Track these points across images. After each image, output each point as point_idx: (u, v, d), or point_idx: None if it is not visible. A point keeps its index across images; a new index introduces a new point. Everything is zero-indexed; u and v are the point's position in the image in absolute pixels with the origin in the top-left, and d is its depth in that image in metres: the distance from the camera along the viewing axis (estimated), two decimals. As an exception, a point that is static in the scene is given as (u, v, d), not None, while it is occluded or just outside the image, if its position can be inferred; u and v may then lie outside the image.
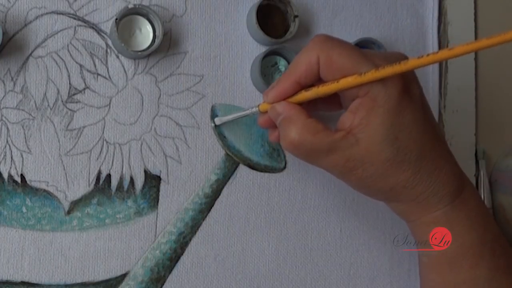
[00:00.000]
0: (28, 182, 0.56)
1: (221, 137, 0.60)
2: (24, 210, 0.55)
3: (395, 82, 0.50)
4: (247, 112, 0.57)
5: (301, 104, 0.53)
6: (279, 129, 0.53)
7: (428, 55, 0.47)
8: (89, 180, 0.57)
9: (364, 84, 0.49)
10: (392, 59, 0.49)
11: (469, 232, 0.53)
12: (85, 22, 0.57)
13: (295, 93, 0.52)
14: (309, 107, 0.53)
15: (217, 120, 0.60)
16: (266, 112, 0.54)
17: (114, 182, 0.58)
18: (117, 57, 0.58)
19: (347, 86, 0.50)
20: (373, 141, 0.50)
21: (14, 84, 0.56)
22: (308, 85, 0.52)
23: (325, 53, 0.50)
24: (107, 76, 0.58)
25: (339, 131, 0.51)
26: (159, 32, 0.57)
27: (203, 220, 0.60)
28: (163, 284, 0.58)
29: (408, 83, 0.51)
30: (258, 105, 0.55)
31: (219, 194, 0.60)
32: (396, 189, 0.52)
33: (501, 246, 0.55)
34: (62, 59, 0.57)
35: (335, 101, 0.55)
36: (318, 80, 0.52)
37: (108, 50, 0.58)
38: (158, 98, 0.59)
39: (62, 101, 0.57)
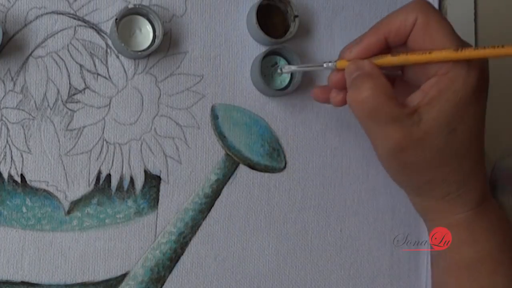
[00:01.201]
0: (28, 182, 0.56)
1: (221, 137, 0.60)
2: (24, 210, 0.55)
3: (477, 71, 0.48)
4: (322, 66, 0.54)
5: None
6: (352, 84, 0.50)
7: None
8: (89, 180, 0.57)
9: (451, 63, 0.47)
10: (469, 45, 0.48)
11: (488, 239, 0.53)
12: (85, 22, 0.57)
13: (378, 53, 0.50)
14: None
15: (286, 68, 0.58)
16: (342, 69, 0.52)
17: (114, 182, 0.58)
18: (117, 57, 0.58)
19: (439, 59, 0.47)
20: (433, 125, 0.48)
21: (14, 84, 0.56)
22: (392, 46, 0.50)
23: (424, 16, 0.48)
24: (107, 76, 0.58)
25: (407, 106, 0.49)
26: (159, 32, 0.57)
27: (203, 220, 0.60)
28: (163, 284, 0.58)
29: (485, 76, 0.50)
30: (336, 61, 0.52)
31: (219, 194, 0.60)
32: (432, 183, 0.51)
33: None
34: (62, 59, 0.57)
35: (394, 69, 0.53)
36: (402, 45, 0.50)
37: (108, 50, 0.58)
38: (158, 98, 0.59)
39: (62, 101, 0.57)
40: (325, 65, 0.54)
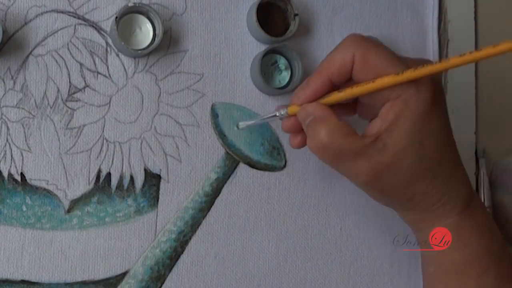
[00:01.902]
0: (28, 180, 0.56)
1: (221, 135, 0.60)
2: (24, 208, 0.55)
3: (428, 86, 0.49)
4: (275, 114, 0.55)
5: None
6: (308, 130, 0.51)
7: (471, 52, 0.46)
8: (89, 179, 0.57)
9: (398, 86, 0.48)
10: (422, 63, 0.49)
11: (476, 242, 0.53)
12: (85, 21, 0.57)
13: (326, 93, 0.52)
14: None
15: (241, 124, 0.60)
16: (294, 115, 0.53)
17: (114, 181, 0.58)
18: (117, 55, 0.58)
19: (383, 86, 0.49)
20: (399, 147, 0.49)
21: (14, 83, 0.56)
22: (339, 84, 0.51)
23: (361, 52, 0.50)
24: (107, 75, 0.58)
25: (367, 136, 0.50)
26: (159, 31, 0.57)
27: (203, 218, 0.60)
28: (163, 283, 0.58)
29: (438, 89, 0.51)
30: (287, 107, 0.54)
31: (219, 193, 0.60)
32: (414, 198, 0.52)
33: (507, 255, 0.55)
34: (62, 58, 0.57)
35: (350, 105, 0.54)
36: (348, 81, 0.51)
37: (108, 49, 0.58)
38: (158, 97, 0.59)
39: (62, 100, 0.57)
40: (277, 113, 0.55)
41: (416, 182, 0.51)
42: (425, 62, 0.49)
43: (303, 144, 0.55)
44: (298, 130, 0.54)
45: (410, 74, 0.48)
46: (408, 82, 0.48)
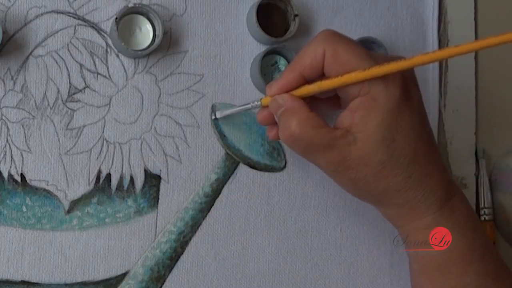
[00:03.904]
0: (28, 181, 0.56)
1: (221, 136, 0.60)
2: (24, 209, 0.55)
3: (397, 83, 0.50)
4: (249, 105, 0.56)
5: (303, 99, 0.52)
6: (279, 122, 0.52)
7: (434, 51, 0.47)
8: (89, 179, 0.57)
9: (366, 82, 0.49)
10: (393, 59, 0.49)
11: (458, 239, 0.53)
12: (85, 21, 0.57)
13: (298, 86, 0.52)
14: (309, 105, 0.53)
15: (218, 113, 0.59)
16: (267, 106, 0.54)
17: (114, 181, 0.58)
18: (117, 56, 0.58)
19: (350, 81, 0.49)
20: (370, 141, 0.50)
21: (14, 83, 0.56)
22: (312, 79, 0.52)
23: (331, 47, 0.50)
24: (107, 75, 0.58)
25: (338, 129, 0.51)
26: (159, 31, 0.57)
27: (203, 219, 0.60)
28: (163, 283, 0.58)
29: (408, 86, 0.51)
30: (260, 99, 0.55)
31: (219, 193, 0.60)
32: (387, 193, 0.52)
33: (490, 252, 0.55)
34: (62, 58, 0.57)
35: (335, 100, 0.55)
36: (322, 75, 0.52)
37: (108, 49, 0.58)
38: (158, 97, 0.59)
39: (62, 100, 0.57)
40: (251, 104, 0.56)
41: (387, 176, 0.51)
42: (396, 59, 0.49)
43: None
44: (273, 122, 0.54)
45: (376, 70, 0.48)
46: (376, 78, 0.49)
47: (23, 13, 0.56)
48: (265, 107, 0.54)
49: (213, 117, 0.60)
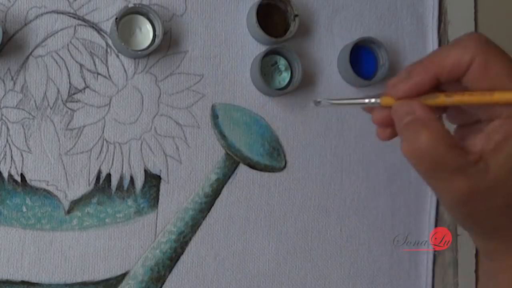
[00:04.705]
0: (28, 181, 0.56)
1: (221, 136, 0.60)
2: (24, 209, 0.55)
3: None
4: (365, 101, 0.48)
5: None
6: (404, 131, 0.45)
7: None
8: (89, 180, 0.57)
9: None
10: None
11: None
12: (85, 22, 0.57)
13: (428, 91, 0.46)
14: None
15: (325, 101, 0.50)
16: (387, 107, 0.47)
17: (114, 182, 0.58)
18: (117, 56, 0.58)
19: (502, 101, 0.43)
20: (502, 172, 0.44)
21: (14, 84, 0.56)
22: (443, 83, 0.46)
23: (483, 58, 0.44)
24: (107, 76, 0.58)
25: (471, 153, 0.44)
26: (159, 32, 0.57)
27: (203, 219, 0.60)
28: (163, 284, 0.58)
29: None
30: (379, 97, 0.47)
31: (219, 194, 0.60)
32: (503, 229, 0.47)
33: None
34: (62, 59, 0.57)
35: (454, 111, 0.49)
36: (455, 82, 0.46)
37: (108, 50, 0.58)
38: (158, 98, 0.59)
39: (62, 101, 0.57)
40: (367, 100, 0.48)
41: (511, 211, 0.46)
42: None
43: (393, 136, 0.49)
44: (389, 123, 0.48)
45: None
46: None
47: (23, 13, 0.56)
48: (383, 107, 0.47)
49: (317, 102, 0.51)
